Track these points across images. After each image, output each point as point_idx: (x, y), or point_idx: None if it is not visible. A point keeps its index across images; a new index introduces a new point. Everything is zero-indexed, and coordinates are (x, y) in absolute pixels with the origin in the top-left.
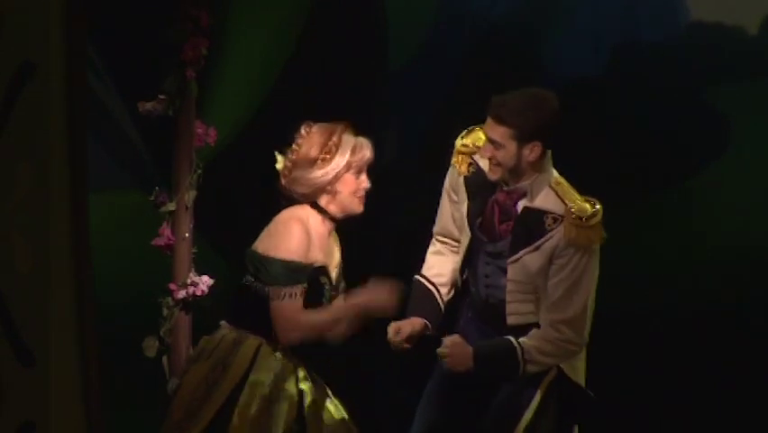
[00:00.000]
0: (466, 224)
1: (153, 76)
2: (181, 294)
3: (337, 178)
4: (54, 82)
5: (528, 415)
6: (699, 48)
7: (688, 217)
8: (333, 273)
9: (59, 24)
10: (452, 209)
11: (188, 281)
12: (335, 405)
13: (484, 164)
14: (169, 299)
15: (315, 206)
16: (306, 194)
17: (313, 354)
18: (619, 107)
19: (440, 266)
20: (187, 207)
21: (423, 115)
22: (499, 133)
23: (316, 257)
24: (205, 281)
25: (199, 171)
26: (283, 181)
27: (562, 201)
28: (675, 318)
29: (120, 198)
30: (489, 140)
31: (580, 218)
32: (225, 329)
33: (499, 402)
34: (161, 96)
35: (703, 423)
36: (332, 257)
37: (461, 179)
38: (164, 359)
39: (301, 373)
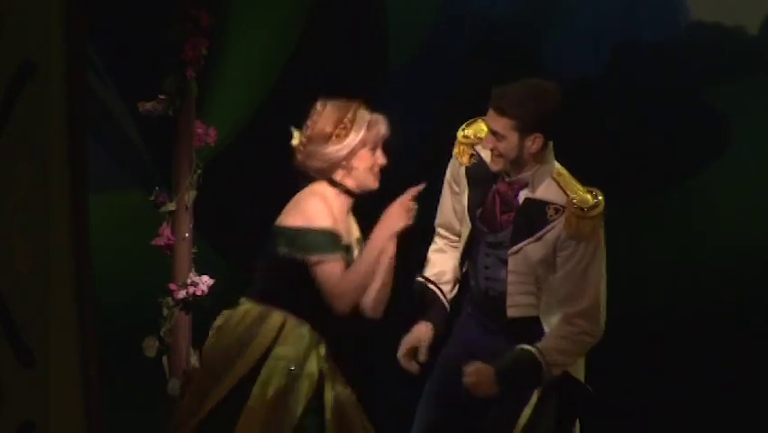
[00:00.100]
0: (467, 215)
1: (153, 76)
2: (181, 294)
3: (353, 153)
4: (54, 82)
5: (527, 412)
6: (699, 48)
7: (688, 217)
8: (356, 251)
9: (59, 24)
10: (454, 201)
11: (188, 281)
12: (349, 388)
13: (486, 155)
14: (169, 299)
15: (332, 182)
16: (321, 169)
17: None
18: (619, 107)
19: (442, 263)
20: (187, 207)
21: (423, 115)
22: (501, 124)
23: (340, 231)
24: (205, 281)
25: (199, 171)
26: (299, 157)
27: (564, 192)
28: (675, 318)
29: (120, 198)
30: (491, 131)
31: (582, 209)
32: (248, 304)
33: (499, 401)
34: (161, 96)
35: (703, 423)
36: (351, 234)
37: (462, 169)
38: (164, 359)
39: (323, 351)
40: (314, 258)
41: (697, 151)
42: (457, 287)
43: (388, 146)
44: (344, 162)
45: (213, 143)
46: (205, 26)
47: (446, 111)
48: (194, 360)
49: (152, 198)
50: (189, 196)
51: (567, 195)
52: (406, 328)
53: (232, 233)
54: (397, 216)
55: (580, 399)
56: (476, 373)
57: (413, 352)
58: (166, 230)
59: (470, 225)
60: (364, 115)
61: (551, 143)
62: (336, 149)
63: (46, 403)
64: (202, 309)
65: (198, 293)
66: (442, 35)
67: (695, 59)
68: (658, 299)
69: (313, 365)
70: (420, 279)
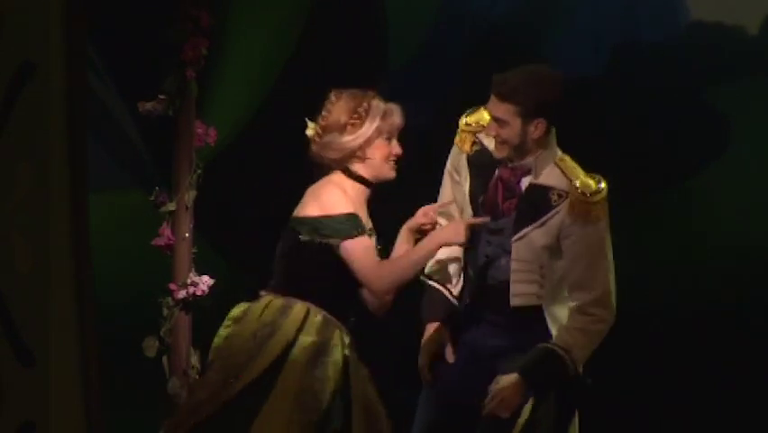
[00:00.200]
0: (468, 203)
1: (153, 76)
2: (181, 294)
3: (368, 143)
4: (54, 82)
5: (527, 409)
6: (699, 48)
7: (688, 217)
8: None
9: (59, 24)
10: (454, 190)
11: (188, 281)
12: (371, 379)
13: (488, 142)
14: (169, 299)
15: (348, 172)
16: (336, 159)
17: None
18: (619, 107)
19: (441, 253)
20: (187, 207)
21: (423, 115)
22: (503, 110)
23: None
24: (205, 281)
25: (199, 171)
26: (314, 148)
27: (567, 177)
28: (675, 318)
29: (120, 198)
30: (494, 118)
31: (585, 194)
32: (270, 296)
33: None
34: (161, 96)
35: (703, 423)
36: (369, 223)
37: (464, 157)
38: (164, 359)
39: (347, 340)
40: (340, 242)
41: (697, 151)
42: (462, 278)
43: (411, 134)
44: (360, 152)
45: (213, 143)
46: (205, 26)
47: (446, 111)
48: (194, 360)
49: (152, 198)
50: (189, 196)
51: (570, 180)
52: (406, 328)
53: (232, 233)
54: (455, 232)
55: (578, 389)
56: (500, 391)
57: (433, 358)
58: (166, 230)
59: (470, 213)
60: (379, 104)
61: (554, 129)
62: (351, 138)
63: (46, 403)
64: (202, 309)
65: (198, 293)
66: (442, 35)
67: (695, 59)
68: (658, 299)
69: (338, 354)
70: (423, 278)
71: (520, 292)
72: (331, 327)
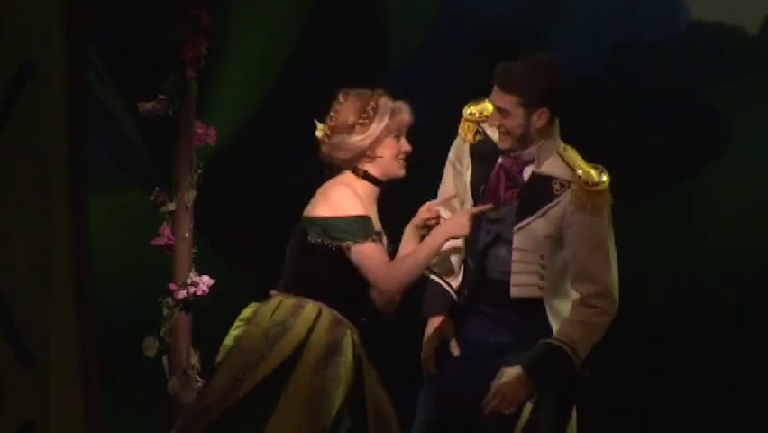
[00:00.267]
0: (469, 193)
1: (153, 76)
2: (181, 294)
3: (377, 142)
4: (54, 82)
5: (528, 408)
6: (699, 48)
7: (688, 217)
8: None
9: (59, 24)
10: (456, 180)
11: (188, 281)
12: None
13: (492, 132)
14: (169, 299)
15: (358, 171)
16: (347, 159)
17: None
18: (619, 107)
19: (444, 247)
20: (187, 207)
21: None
22: (506, 100)
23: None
24: (205, 281)
25: (199, 171)
26: (324, 149)
27: (570, 167)
28: (675, 318)
29: (120, 198)
30: (497, 108)
31: (588, 183)
32: (281, 296)
33: None
34: (161, 96)
35: (703, 423)
36: (378, 223)
37: (467, 146)
38: (164, 359)
39: (357, 339)
40: (349, 244)
41: (697, 151)
42: (462, 271)
43: (411, 134)
44: (370, 152)
45: (213, 143)
46: (205, 26)
47: (446, 111)
48: (194, 360)
49: (152, 198)
50: (189, 196)
51: (573, 170)
52: (405, 327)
53: (232, 233)
54: (459, 224)
55: (575, 383)
56: (502, 388)
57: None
58: (166, 230)
59: (471, 201)
60: (387, 102)
61: (557, 120)
62: (360, 138)
63: (46, 403)
64: (202, 309)
65: (198, 293)
66: (442, 35)
67: (695, 59)
68: (658, 299)
69: (349, 353)
70: (425, 271)
71: (520, 283)
72: (342, 327)
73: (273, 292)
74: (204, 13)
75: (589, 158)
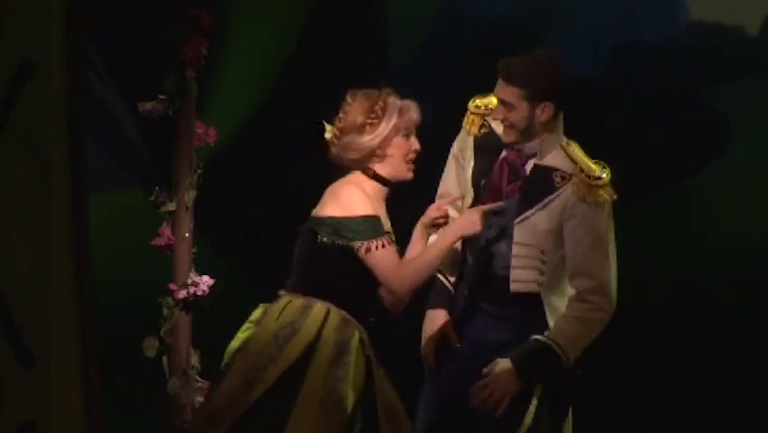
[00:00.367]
0: (470, 186)
1: (153, 76)
2: (181, 294)
3: (387, 141)
4: (54, 82)
5: (532, 410)
6: (699, 48)
7: (688, 217)
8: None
9: (59, 24)
10: (458, 173)
11: (188, 281)
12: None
13: (496, 126)
14: (169, 299)
15: (367, 171)
16: (356, 159)
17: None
18: (619, 107)
19: None
20: (187, 207)
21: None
22: (509, 93)
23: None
24: (205, 281)
25: (199, 171)
26: (333, 150)
27: (572, 160)
28: (675, 318)
29: (120, 198)
30: (501, 101)
31: (589, 176)
32: (289, 296)
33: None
34: (161, 96)
35: (703, 423)
36: (387, 223)
37: (471, 139)
38: (164, 359)
39: (366, 338)
40: (360, 244)
41: (697, 151)
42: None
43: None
44: (379, 151)
45: (213, 143)
46: (205, 26)
47: (446, 111)
48: (194, 360)
49: (152, 198)
50: (189, 196)
51: (575, 162)
52: (414, 327)
53: (232, 233)
54: (470, 222)
55: (568, 384)
56: (493, 381)
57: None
58: (166, 230)
59: (472, 194)
60: (395, 101)
61: (561, 114)
62: (370, 138)
63: (46, 403)
64: (202, 309)
65: (198, 293)
66: (442, 35)
67: (695, 59)
68: (658, 299)
69: (359, 353)
70: None
71: (520, 278)
72: (351, 327)
73: (282, 292)
74: (204, 13)
75: (590, 158)
